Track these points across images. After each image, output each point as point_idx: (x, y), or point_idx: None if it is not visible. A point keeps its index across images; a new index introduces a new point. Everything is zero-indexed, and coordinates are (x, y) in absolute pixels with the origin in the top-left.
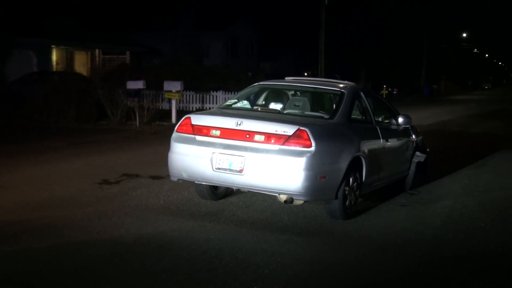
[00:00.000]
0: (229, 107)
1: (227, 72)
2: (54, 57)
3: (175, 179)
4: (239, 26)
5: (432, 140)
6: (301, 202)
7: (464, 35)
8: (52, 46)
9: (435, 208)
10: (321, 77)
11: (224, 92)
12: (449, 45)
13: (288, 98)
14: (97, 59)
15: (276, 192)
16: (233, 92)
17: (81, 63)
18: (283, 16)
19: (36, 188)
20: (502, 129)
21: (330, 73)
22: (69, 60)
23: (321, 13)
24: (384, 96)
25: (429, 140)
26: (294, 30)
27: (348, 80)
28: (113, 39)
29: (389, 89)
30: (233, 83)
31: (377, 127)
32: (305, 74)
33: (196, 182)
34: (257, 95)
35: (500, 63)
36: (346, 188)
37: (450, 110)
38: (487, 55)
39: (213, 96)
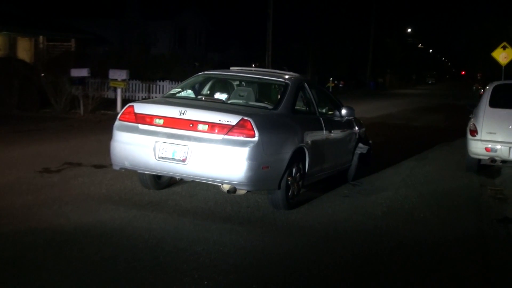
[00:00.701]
0: (173, 96)
1: (174, 62)
2: None
3: (117, 168)
4: (187, 15)
5: (375, 132)
6: (244, 192)
7: (409, 30)
8: None
9: (377, 199)
10: (268, 69)
11: (170, 81)
12: (395, 39)
13: (233, 88)
14: (41, 45)
15: (219, 182)
16: (179, 82)
17: (24, 50)
18: (232, 7)
19: None
20: (444, 122)
21: (278, 65)
22: (11, 46)
23: (269, 4)
24: (330, 88)
25: (372, 132)
26: (243, 21)
27: (295, 73)
28: (58, 25)
29: (336, 81)
30: (180, 72)
31: (321, 118)
32: (253, 65)
33: (138, 171)
34: (202, 85)
35: (443, 59)
36: (289, 179)
37: (394, 103)
38: (431, 51)
39: (159, 85)
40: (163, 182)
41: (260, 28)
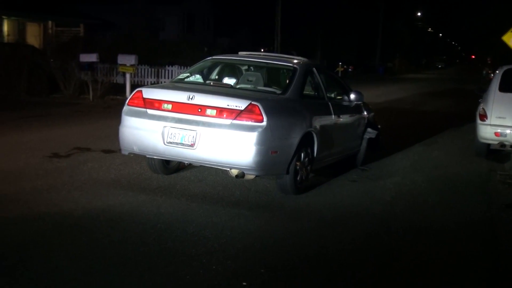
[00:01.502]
0: (181, 81)
1: (183, 47)
2: (5, 28)
3: (126, 153)
4: (196, 0)
5: (384, 117)
6: (252, 176)
7: (419, 14)
8: (3, 17)
9: (385, 184)
10: (277, 53)
11: (179, 66)
12: (404, 24)
13: (242, 73)
14: (49, 31)
15: (227, 167)
16: (188, 67)
17: (33, 35)
18: None
19: None
20: (453, 107)
21: (287, 50)
22: (20, 32)
23: None
24: (339, 73)
25: (381, 117)
26: (251, 6)
27: (304, 57)
28: (67, 11)
29: (345, 66)
30: (189, 57)
31: (329, 103)
32: (262, 50)
33: (147, 156)
34: (210, 70)
35: (453, 43)
36: (298, 163)
37: (403, 88)
38: (440, 35)
39: (168, 70)
40: (171, 167)
41: (269, 13)
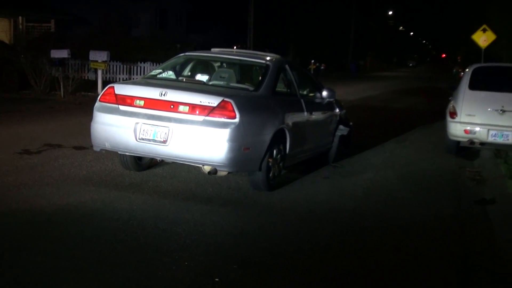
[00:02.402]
0: (154, 77)
1: (155, 43)
2: None
3: (98, 150)
4: None
5: (356, 114)
6: (225, 173)
7: (390, 12)
8: None
9: (357, 180)
10: (250, 50)
11: (151, 63)
12: (376, 22)
13: (214, 70)
14: (20, 26)
15: (200, 163)
16: (160, 64)
17: (2, 31)
18: None
19: None
20: (424, 105)
21: (260, 47)
22: None
23: None
24: (312, 71)
25: (353, 114)
26: (224, 2)
27: (277, 55)
28: (38, 6)
29: (317, 64)
30: (161, 54)
31: (302, 100)
32: (235, 47)
33: (119, 152)
34: (182, 66)
35: (424, 41)
36: (270, 160)
37: (375, 86)
38: (412, 33)
39: (140, 67)
40: (144, 164)
41: (242, 10)
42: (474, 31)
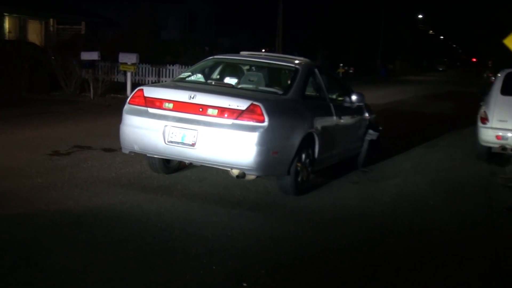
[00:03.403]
0: (182, 80)
1: (184, 46)
2: (6, 25)
3: (127, 152)
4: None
5: (386, 119)
6: (253, 177)
7: (420, 16)
8: (5, 14)
9: (386, 186)
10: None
11: (180, 66)
12: (406, 26)
13: (243, 73)
14: (51, 28)
15: (228, 167)
16: (189, 66)
17: (34, 33)
18: None
19: None
20: (454, 110)
21: (288, 50)
22: (22, 29)
23: None
24: (340, 74)
25: (382, 118)
26: (253, 6)
27: (306, 58)
28: (68, 8)
29: (346, 68)
30: (190, 57)
31: (331, 104)
32: (263, 50)
33: (148, 155)
34: (211, 69)
35: (454, 46)
36: (299, 164)
37: (404, 90)
38: (442, 37)
39: (169, 69)
40: (172, 166)
41: (270, 13)
42: (505, 35)
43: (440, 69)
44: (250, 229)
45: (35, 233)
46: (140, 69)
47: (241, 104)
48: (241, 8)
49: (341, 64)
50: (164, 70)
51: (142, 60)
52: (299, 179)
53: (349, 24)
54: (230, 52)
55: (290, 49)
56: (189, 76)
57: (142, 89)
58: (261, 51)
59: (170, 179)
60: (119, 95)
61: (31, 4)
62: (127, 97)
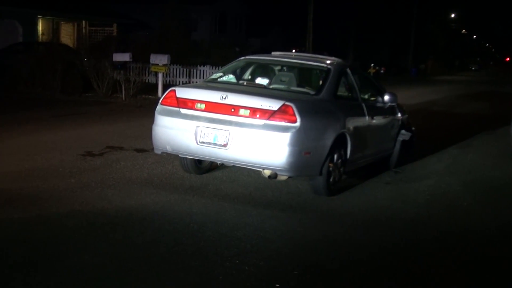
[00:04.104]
0: (214, 80)
1: (214, 47)
2: (40, 27)
3: (159, 152)
4: (228, 0)
5: (418, 119)
6: (285, 177)
7: (453, 15)
8: (38, 16)
9: (419, 187)
10: (309, 53)
11: (211, 66)
12: (437, 25)
13: (274, 73)
14: (83, 30)
15: (260, 167)
16: (220, 67)
17: (67, 34)
18: None
19: (18, 159)
20: (488, 110)
21: (319, 50)
22: (55, 31)
23: None
24: (371, 74)
25: (414, 119)
26: (283, 6)
27: (336, 58)
28: (100, 10)
29: (377, 67)
30: (221, 58)
31: (363, 104)
32: (293, 50)
33: (180, 155)
34: (243, 70)
35: (487, 45)
36: (331, 165)
37: (437, 90)
38: (475, 36)
39: (200, 70)
40: (204, 167)
41: (300, 13)
42: None
43: (473, 68)
44: (282, 230)
45: (69, 232)
46: (171, 70)
47: (273, 105)
48: (271, 8)
49: (372, 64)
50: (194, 71)
51: (173, 61)
52: (331, 179)
53: (380, 23)
54: (261, 53)
55: (320, 49)
56: (220, 76)
57: (174, 90)
58: (291, 51)
59: (201, 180)
60: (150, 96)
61: (64, 7)
62: (159, 98)
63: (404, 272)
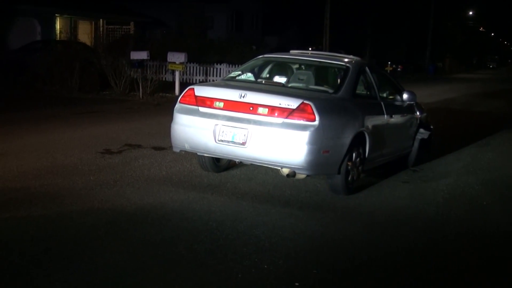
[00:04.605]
0: (233, 79)
1: (231, 45)
2: (58, 25)
3: (178, 150)
4: None
5: (436, 117)
6: (303, 176)
7: (470, 13)
8: (56, 14)
9: (437, 186)
10: (326, 52)
11: (228, 65)
12: (455, 23)
13: (293, 72)
14: (101, 29)
15: (278, 166)
16: (237, 65)
17: (84, 33)
18: None
19: (37, 156)
20: (506, 108)
21: (335, 48)
22: (72, 29)
23: None
24: (388, 72)
25: (433, 117)
26: (299, 4)
27: (353, 56)
28: (117, 9)
29: (394, 66)
30: (237, 56)
31: (382, 103)
32: (310, 49)
33: (198, 153)
34: (261, 68)
35: (506, 42)
36: (349, 163)
37: (455, 88)
38: (492, 34)
39: (216, 68)
40: (222, 165)
41: (317, 11)
42: None
43: (491, 66)
44: (301, 229)
45: (88, 230)
46: (188, 68)
47: (292, 103)
48: (287, 6)
49: (389, 62)
50: (211, 69)
51: (190, 59)
52: (350, 178)
53: (397, 21)
54: (278, 51)
55: (337, 47)
56: (239, 75)
57: (193, 88)
58: (307, 49)
59: (220, 178)
60: (167, 94)
61: (82, 5)
62: (176, 96)
63: (424, 272)
